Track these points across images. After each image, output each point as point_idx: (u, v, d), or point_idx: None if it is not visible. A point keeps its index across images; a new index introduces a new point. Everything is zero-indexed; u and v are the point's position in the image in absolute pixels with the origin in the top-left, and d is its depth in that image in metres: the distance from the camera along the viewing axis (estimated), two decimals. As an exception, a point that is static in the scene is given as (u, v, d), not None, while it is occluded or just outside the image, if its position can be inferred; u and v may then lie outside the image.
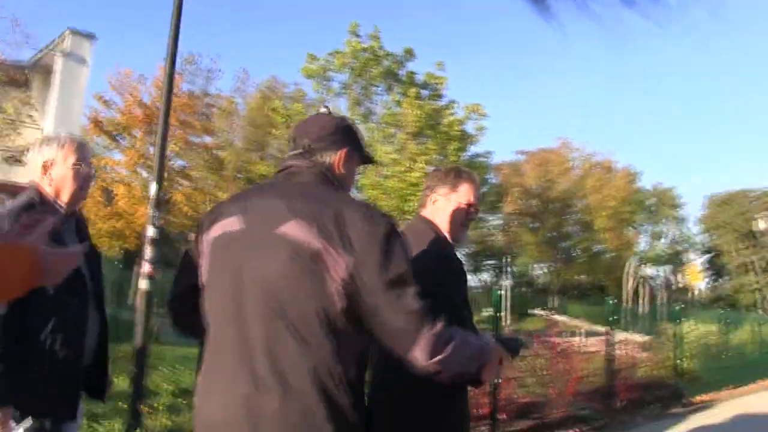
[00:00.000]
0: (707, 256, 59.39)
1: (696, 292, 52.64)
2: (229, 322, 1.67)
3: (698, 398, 10.32)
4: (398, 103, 20.98)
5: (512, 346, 2.15)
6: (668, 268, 51.39)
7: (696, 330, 14.18)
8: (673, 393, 10.02)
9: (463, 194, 2.57)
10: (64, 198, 2.40)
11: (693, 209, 64.97)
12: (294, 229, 1.63)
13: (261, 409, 1.56)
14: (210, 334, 1.74)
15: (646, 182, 48.51)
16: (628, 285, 37.60)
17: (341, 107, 21.29)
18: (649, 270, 47.11)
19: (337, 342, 1.61)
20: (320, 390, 1.56)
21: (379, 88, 22.02)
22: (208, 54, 37.22)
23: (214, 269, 1.77)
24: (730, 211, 68.65)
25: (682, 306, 14.98)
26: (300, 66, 21.96)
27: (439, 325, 1.64)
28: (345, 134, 1.95)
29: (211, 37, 63.69)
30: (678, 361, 11.06)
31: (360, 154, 2.00)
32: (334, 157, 1.88)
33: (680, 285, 51.01)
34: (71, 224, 2.43)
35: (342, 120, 2.01)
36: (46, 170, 2.38)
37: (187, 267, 1.90)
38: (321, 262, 1.60)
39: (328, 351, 1.60)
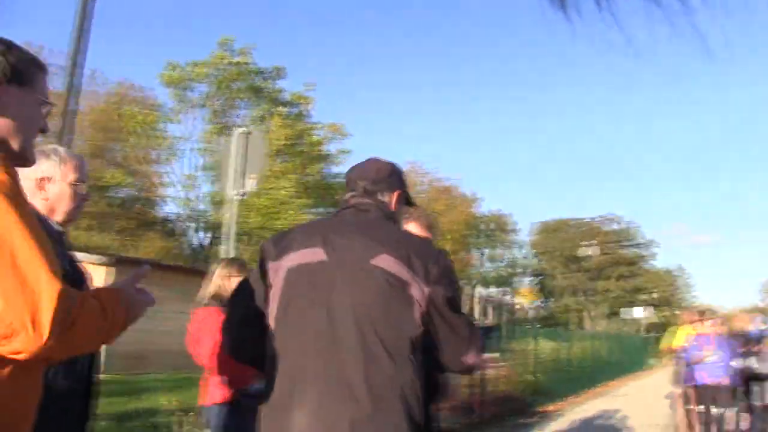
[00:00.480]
0: (537, 278, 64.06)
1: (529, 312, 56.51)
2: (318, 347, 1.80)
3: (548, 408, 11.27)
4: (261, 119, 20.86)
5: (493, 335, 2.45)
6: (504, 289, 54.73)
7: (546, 346, 15.49)
8: (527, 405, 10.88)
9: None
10: (59, 217, 2.22)
11: (524, 235, 70.09)
12: (386, 262, 1.84)
13: (361, 423, 1.71)
14: (286, 361, 1.84)
15: (485, 208, 51.56)
16: (474, 306, 39.58)
17: (200, 118, 20.80)
18: (485, 291, 49.87)
19: (416, 363, 1.82)
20: (406, 406, 1.75)
21: (243, 103, 21.82)
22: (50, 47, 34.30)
23: (293, 297, 1.89)
24: (557, 238, 74.99)
25: (528, 326, 16.25)
26: (157, 72, 21.23)
27: (477, 329, 2.03)
28: (398, 177, 2.18)
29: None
30: (531, 376, 11.99)
31: (407, 195, 2.21)
32: (391, 198, 2.11)
33: (516, 305, 54.52)
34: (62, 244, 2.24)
35: (395, 165, 2.21)
36: (41, 186, 2.18)
37: (249, 293, 1.99)
38: (408, 291, 1.83)
39: (410, 371, 1.79)
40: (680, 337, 9.72)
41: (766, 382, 7.41)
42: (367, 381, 1.74)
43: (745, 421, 8.61)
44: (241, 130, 6.35)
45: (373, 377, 1.74)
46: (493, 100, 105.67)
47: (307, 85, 21.93)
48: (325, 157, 21.83)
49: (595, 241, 59.59)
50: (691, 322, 9.25)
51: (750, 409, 8.70)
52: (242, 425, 3.38)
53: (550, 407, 11.56)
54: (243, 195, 6.35)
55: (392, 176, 2.14)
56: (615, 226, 77.33)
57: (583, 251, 38.07)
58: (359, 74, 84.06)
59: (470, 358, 1.96)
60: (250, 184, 6.25)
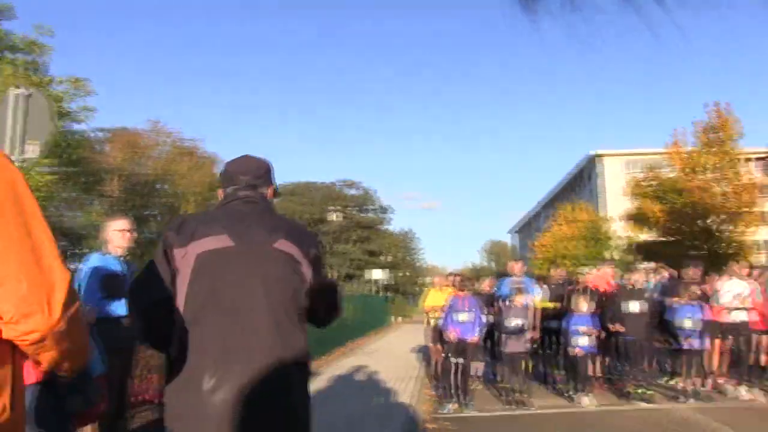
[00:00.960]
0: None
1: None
2: (234, 321, 2.12)
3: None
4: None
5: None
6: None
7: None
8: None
9: None
10: None
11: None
12: (285, 246, 2.27)
13: (272, 380, 2.08)
14: (202, 336, 2.11)
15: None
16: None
17: None
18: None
19: (303, 321, 2.30)
20: (302, 365, 2.23)
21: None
22: None
23: (206, 279, 2.15)
24: (298, 201, 76.95)
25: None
26: None
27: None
28: (272, 173, 2.58)
29: None
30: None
31: (276, 188, 2.62)
32: (268, 191, 2.52)
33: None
34: None
35: (269, 162, 2.59)
36: None
37: (158, 278, 2.19)
38: (301, 269, 2.28)
39: (304, 335, 2.26)
40: (433, 298, 10.75)
41: (507, 335, 8.54)
42: (275, 345, 2.11)
43: (480, 368, 9.87)
44: (17, 91, 5.52)
45: (281, 341, 2.13)
46: (229, 60, 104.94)
47: (40, 28, 19.03)
48: (66, 114, 19.58)
49: (338, 207, 62.33)
50: (445, 285, 10.27)
51: (494, 356, 10.04)
52: (57, 405, 3.43)
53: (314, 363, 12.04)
54: (23, 163, 5.58)
55: (268, 173, 2.54)
56: (354, 191, 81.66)
57: (329, 215, 39.80)
58: (101, 28, 77.36)
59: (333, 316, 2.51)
60: (31, 151, 5.52)
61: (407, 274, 67.68)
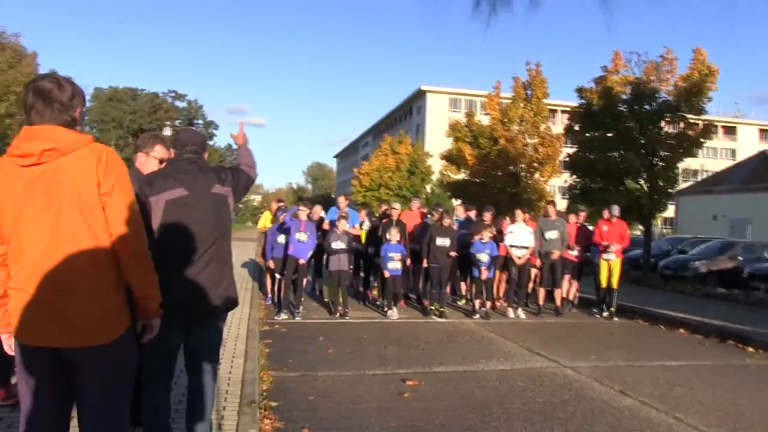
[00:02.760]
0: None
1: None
2: (194, 242, 3.35)
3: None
4: None
5: None
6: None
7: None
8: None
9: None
10: None
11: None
12: (218, 189, 3.49)
13: (227, 283, 3.53)
14: (171, 250, 3.29)
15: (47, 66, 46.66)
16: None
17: None
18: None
19: (230, 232, 3.66)
20: (231, 270, 3.60)
21: None
22: None
23: (172, 218, 3.32)
24: (118, 108, 72.03)
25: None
26: None
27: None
28: (206, 143, 3.82)
29: None
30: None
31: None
32: (204, 154, 3.68)
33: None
34: None
35: (205, 136, 3.87)
36: None
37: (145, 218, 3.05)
38: (227, 201, 3.56)
39: (229, 240, 3.61)
40: (266, 219, 11.77)
41: (331, 255, 9.87)
42: (220, 255, 3.48)
43: (307, 283, 11.14)
44: None
45: (220, 248, 3.48)
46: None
47: None
48: None
49: (167, 121, 59.54)
50: (278, 209, 11.30)
51: (320, 273, 11.42)
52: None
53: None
54: None
55: (204, 143, 3.72)
56: (180, 104, 78.27)
57: (165, 130, 37.87)
58: None
59: None
60: None
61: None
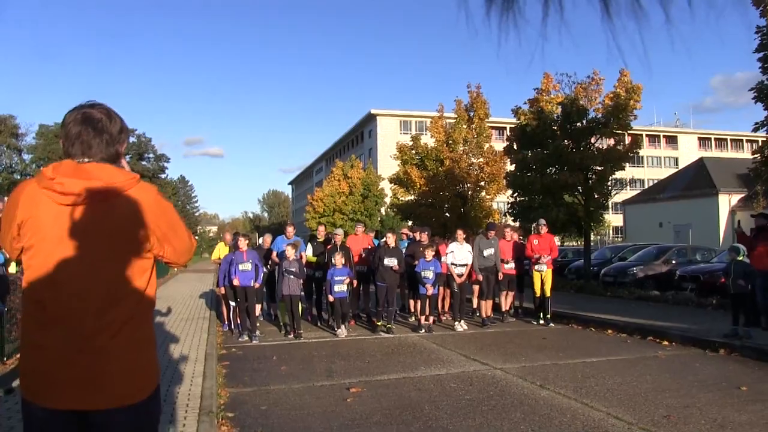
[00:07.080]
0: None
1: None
2: None
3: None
4: None
5: None
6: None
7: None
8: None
9: None
10: None
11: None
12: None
13: None
14: None
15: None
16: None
17: None
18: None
19: None
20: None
21: None
22: None
23: None
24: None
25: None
26: None
27: None
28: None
29: None
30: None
31: None
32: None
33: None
34: None
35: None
36: None
37: None
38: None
39: None
40: (220, 250, 12.38)
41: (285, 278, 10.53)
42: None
43: (260, 308, 11.69)
44: None
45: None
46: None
47: None
48: None
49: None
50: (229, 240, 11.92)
51: (273, 298, 12.01)
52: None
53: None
54: None
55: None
56: (131, 139, 77.66)
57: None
58: None
59: None
60: None
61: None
